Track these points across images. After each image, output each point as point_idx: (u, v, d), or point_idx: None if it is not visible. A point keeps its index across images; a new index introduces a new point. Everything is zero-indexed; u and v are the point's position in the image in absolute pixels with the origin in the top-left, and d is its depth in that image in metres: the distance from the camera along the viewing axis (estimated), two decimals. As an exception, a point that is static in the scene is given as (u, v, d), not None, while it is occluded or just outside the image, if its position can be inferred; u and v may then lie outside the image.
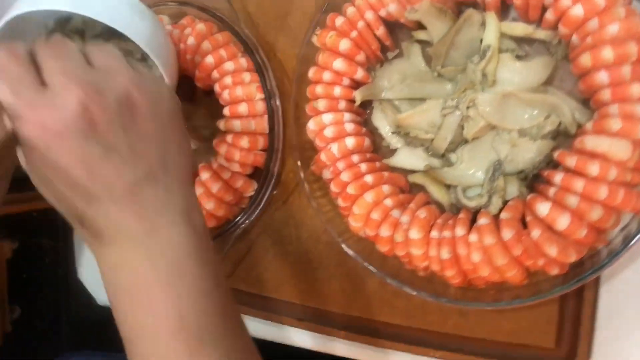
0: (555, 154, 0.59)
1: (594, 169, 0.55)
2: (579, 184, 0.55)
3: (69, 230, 0.97)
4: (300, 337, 0.79)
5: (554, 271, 0.59)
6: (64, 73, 0.43)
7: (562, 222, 0.56)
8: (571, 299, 0.64)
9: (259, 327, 0.80)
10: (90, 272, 0.97)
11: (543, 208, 0.57)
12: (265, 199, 0.75)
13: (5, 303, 1.99)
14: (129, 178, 0.44)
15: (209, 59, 0.72)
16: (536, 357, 0.66)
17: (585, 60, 0.55)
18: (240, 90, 0.71)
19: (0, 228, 1.75)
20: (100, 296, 0.96)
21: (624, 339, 0.63)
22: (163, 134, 0.47)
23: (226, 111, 0.72)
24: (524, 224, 0.60)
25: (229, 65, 0.72)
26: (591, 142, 0.55)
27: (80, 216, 0.45)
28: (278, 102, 0.72)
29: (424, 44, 0.66)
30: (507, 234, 0.59)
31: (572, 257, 0.57)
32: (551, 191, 0.58)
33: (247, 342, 0.50)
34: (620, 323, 0.63)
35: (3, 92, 0.42)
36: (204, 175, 0.74)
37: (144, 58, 0.61)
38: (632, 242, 0.56)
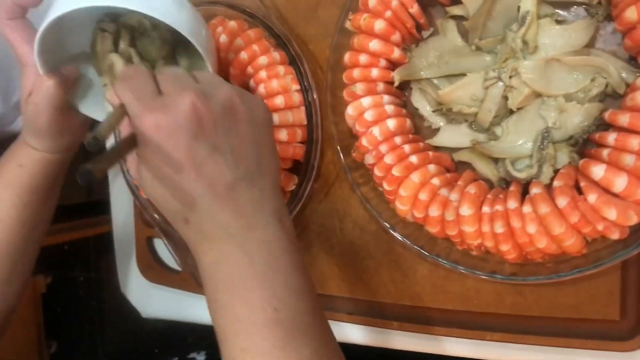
0: (606, 115, 0.57)
1: (648, 124, 0.53)
2: (634, 142, 0.54)
3: (101, 261, 0.98)
4: (351, 332, 0.77)
5: (614, 235, 0.57)
6: (177, 83, 0.50)
7: (619, 183, 0.55)
8: (633, 266, 0.61)
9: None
10: (134, 286, 0.96)
11: (598, 170, 0.56)
12: (306, 193, 0.74)
13: (42, 339, 1.99)
14: (230, 177, 0.48)
15: (243, 55, 0.72)
16: (600, 331, 0.63)
17: (630, 14, 0.54)
18: (275, 83, 0.71)
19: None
20: (145, 309, 0.96)
21: (693, 303, 0.60)
22: (259, 140, 0.52)
23: (263, 105, 0.72)
24: (578, 191, 0.58)
25: (262, 60, 0.72)
26: (643, 97, 0.54)
27: (186, 213, 0.49)
28: (315, 92, 0.71)
29: (458, 19, 0.65)
30: (562, 201, 0.57)
31: (633, 219, 0.56)
32: (604, 153, 0.57)
33: (333, 339, 0.52)
34: (688, 287, 0.60)
35: (128, 97, 0.49)
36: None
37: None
38: (695, 197, 0.54)
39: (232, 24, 0.73)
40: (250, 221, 0.49)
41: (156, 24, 0.63)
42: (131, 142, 0.50)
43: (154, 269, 0.92)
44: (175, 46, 0.65)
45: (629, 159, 0.54)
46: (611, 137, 0.56)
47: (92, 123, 0.69)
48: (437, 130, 0.68)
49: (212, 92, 0.50)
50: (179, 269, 0.87)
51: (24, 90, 0.64)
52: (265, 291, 0.48)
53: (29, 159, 0.67)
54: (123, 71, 0.51)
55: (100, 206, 1.12)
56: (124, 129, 0.53)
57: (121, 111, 0.50)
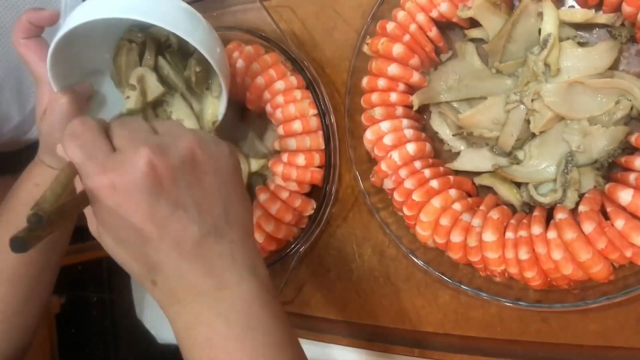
0: (632, 138, 0.56)
1: (677, 148, 0.52)
2: (662, 166, 0.53)
3: (114, 281, 0.98)
4: (371, 359, 0.76)
5: (644, 262, 0.56)
6: (132, 138, 0.46)
7: (648, 208, 0.53)
8: (662, 293, 0.60)
9: (324, 352, 0.77)
10: (150, 311, 0.96)
11: (625, 195, 0.55)
12: (325, 217, 0.74)
13: (56, 359, 1.99)
14: (196, 234, 0.46)
15: (260, 80, 0.71)
16: (630, 358, 0.62)
17: (656, 36, 0.53)
18: (293, 108, 0.70)
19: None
20: (161, 334, 0.95)
21: None
22: (225, 190, 0.49)
23: (280, 130, 0.72)
24: (605, 216, 0.57)
25: (279, 85, 0.71)
26: (671, 120, 0.53)
27: (153, 276, 0.46)
28: (332, 116, 0.71)
29: (477, 42, 0.65)
30: (589, 227, 0.56)
31: (663, 245, 0.54)
32: (632, 177, 0.55)
33: None
34: None
35: (77, 155, 0.45)
36: (262, 197, 0.73)
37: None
38: None
39: (249, 48, 0.73)
40: (222, 279, 0.47)
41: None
42: (81, 201, 0.46)
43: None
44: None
45: (657, 184, 0.53)
46: (638, 161, 0.55)
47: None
48: (457, 154, 0.67)
49: (171, 144, 0.46)
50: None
51: (39, 108, 0.64)
52: (245, 352, 0.46)
53: (46, 178, 0.66)
54: (70, 127, 0.46)
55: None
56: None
57: (69, 172, 0.46)
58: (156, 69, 0.67)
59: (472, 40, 0.65)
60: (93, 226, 0.48)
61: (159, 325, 0.94)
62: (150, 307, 0.95)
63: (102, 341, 2.31)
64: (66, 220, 0.45)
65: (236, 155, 0.52)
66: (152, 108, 0.69)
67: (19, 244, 0.39)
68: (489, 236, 0.60)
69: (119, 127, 0.48)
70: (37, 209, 0.41)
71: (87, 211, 0.48)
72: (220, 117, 0.67)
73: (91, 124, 0.47)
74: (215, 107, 0.68)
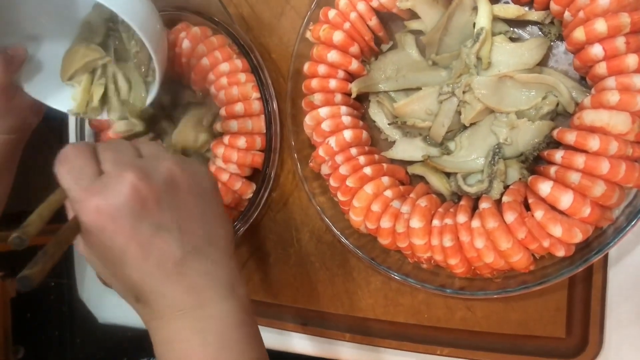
0: (555, 132, 0.58)
1: (594, 143, 0.54)
2: (579, 160, 0.55)
3: (72, 266, 0.97)
4: (304, 343, 0.77)
5: (560, 252, 0.57)
6: (118, 162, 0.48)
7: (565, 200, 0.55)
8: (579, 284, 0.62)
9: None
10: (91, 291, 0.95)
11: (545, 187, 0.56)
12: (264, 201, 0.74)
13: (9, 343, 1.96)
14: (178, 254, 0.48)
15: (205, 61, 0.72)
16: (547, 348, 0.64)
17: (579, 34, 0.54)
18: (236, 90, 0.71)
19: (4, 266, 1.73)
20: (102, 314, 0.95)
21: (636, 323, 0.61)
22: (205, 209, 0.52)
23: (222, 112, 0.72)
24: (527, 208, 0.59)
25: (224, 67, 0.72)
26: (590, 116, 0.54)
27: (136, 293, 0.49)
28: (275, 101, 0.72)
29: (417, 33, 0.66)
30: (510, 216, 0.58)
31: (578, 237, 0.56)
32: (552, 170, 0.57)
33: None
34: (632, 306, 0.61)
35: (66, 181, 0.47)
36: (202, 177, 0.73)
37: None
38: (637, 217, 0.55)
39: (196, 29, 0.73)
40: (202, 297, 0.49)
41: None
42: (74, 228, 0.48)
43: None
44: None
45: (574, 177, 0.55)
46: (558, 155, 0.57)
47: (41, 106, 0.70)
48: (393, 143, 0.68)
49: (153, 168, 0.49)
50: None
51: None
52: None
53: None
54: (62, 151, 0.49)
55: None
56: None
57: (60, 196, 0.48)
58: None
59: (412, 31, 0.66)
60: (80, 247, 0.50)
61: (100, 305, 0.94)
62: (91, 287, 0.94)
63: (58, 327, 2.28)
64: (64, 248, 0.46)
65: (213, 176, 0.55)
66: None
67: (25, 282, 0.41)
68: (415, 223, 0.61)
69: (105, 150, 0.50)
70: (20, 233, 0.43)
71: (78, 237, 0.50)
72: (148, 101, 0.69)
73: (81, 148, 0.49)
74: (144, 89, 0.69)
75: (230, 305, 0.50)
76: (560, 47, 0.61)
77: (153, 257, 0.47)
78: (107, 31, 0.71)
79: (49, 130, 0.95)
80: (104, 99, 0.72)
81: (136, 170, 0.47)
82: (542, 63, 0.61)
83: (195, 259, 0.49)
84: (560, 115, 0.61)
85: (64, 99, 0.71)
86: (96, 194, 0.46)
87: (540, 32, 0.62)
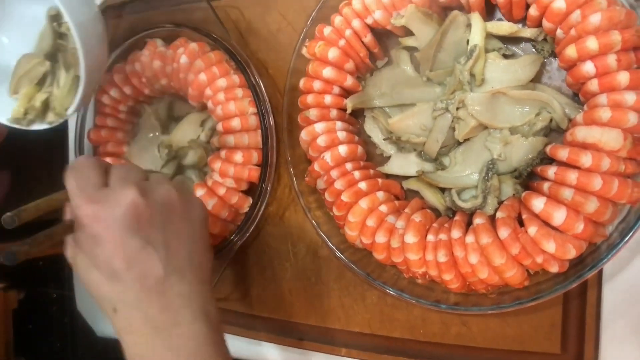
0: (548, 148, 0.58)
1: (586, 159, 0.54)
2: (572, 176, 0.55)
3: (72, 278, 0.98)
4: (301, 358, 0.77)
5: (554, 268, 0.57)
6: (124, 180, 0.52)
7: (558, 216, 0.55)
8: (574, 300, 0.62)
9: (256, 350, 0.78)
10: (89, 304, 0.96)
11: (538, 203, 0.57)
12: (260, 215, 0.75)
13: (10, 355, 1.96)
14: (161, 271, 0.51)
15: (202, 77, 0.73)
16: (542, 364, 0.63)
17: (571, 52, 0.55)
18: (233, 106, 0.72)
19: (6, 278, 1.73)
20: (99, 327, 0.95)
21: (631, 339, 0.61)
22: (193, 236, 0.55)
23: (219, 127, 0.73)
24: (521, 224, 0.59)
25: (221, 82, 0.72)
26: (582, 133, 0.55)
27: (114, 304, 0.51)
28: (271, 116, 0.72)
29: (412, 50, 0.67)
30: (504, 232, 0.58)
31: (571, 253, 0.56)
32: (545, 186, 0.57)
33: None
34: (627, 323, 0.61)
35: (72, 185, 0.51)
36: (199, 192, 0.73)
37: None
38: (630, 233, 0.55)
39: (194, 45, 0.74)
40: (177, 316, 0.51)
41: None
42: (68, 228, 0.52)
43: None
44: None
45: (567, 193, 0.55)
46: (551, 171, 0.57)
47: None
48: (388, 158, 0.69)
49: (154, 188, 0.53)
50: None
51: None
52: None
53: None
54: (76, 160, 0.56)
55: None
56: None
57: (61, 197, 0.53)
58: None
59: (407, 48, 0.67)
60: (69, 251, 0.53)
61: (97, 318, 0.94)
62: (88, 299, 0.95)
63: (60, 339, 2.28)
64: (53, 242, 0.52)
65: (206, 208, 0.59)
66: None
67: (9, 256, 0.46)
68: (410, 238, 0.62)
69: (115, 168, 0.54)
70: (14, 214, 0.50)
71: (68, 237, 0.53)
72: (73, 106, 0.69)
73: (94, 161, 0.54)
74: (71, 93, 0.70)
75: (204, 326, 0.52)
76: (554, 64, 0.61)
77: (137, 270, 0.49)
78: (55, 41, 0.72)
79: (50, 145, 0.96)
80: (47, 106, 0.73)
81: (138, 188, 0.51)
82: (536, 80, 0.61)
83: (176, 279, 0.51)
84: (554, 132, 0.61)
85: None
86: (96, 202, 0.50)
87: (533, 49, 0.62)
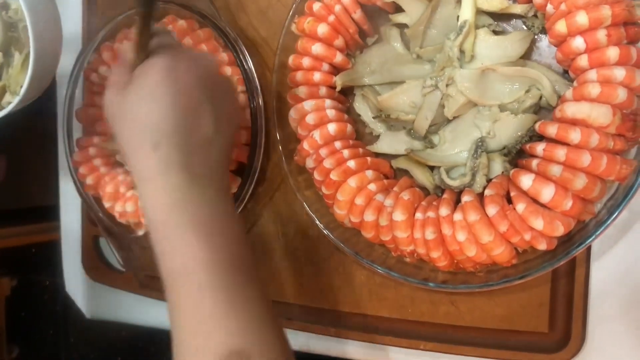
0: (537, 125, 0.58)
1: (575, 135, 0.54)
2: (561, 153, 0.54)
3: (64, 263, 0.98)
4: (289, 338, 0.76)
5: (542, 246, 0.57)
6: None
7: (547, 193, 0.55)
8: (562, 279, 0.62)
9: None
10: (77, 286, 0.95)
11: (526, 180, 0.56)
12: (249, 195, 0.74)
13: (3, 342, 1.95)
14: (210, 133, 0.54)
15: (191, 54, 0.72)
16: (530, 342, 0.63)
17: (561, 27, 0.54)
18: (221, 83, 0.71)
19: (-1, 265, 1.73)
20: (89, 309, 0.94)
21: (619, 318, 0.61)
22: (223, 105, 0.57)
23: (208, 105, 0.72)
24: (510, 201, 0.59)
25: (210, 60, 0.72)
26: (571, 109, 0.54)
27: (159, 138, 0.52)
28: (260, 95, 0.71)
29: (402, 27, 0.66)
30: (492, 209, 0.58)
31: (560, 230, 0.56)
32: (534, 163, 0.57)
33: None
34: (614, 301, 0.61)
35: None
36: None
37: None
38: (618, 210, 0.54)
39: (182, 22, 0.73)
40: (212, 174, 0.54)
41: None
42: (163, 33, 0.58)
43: (98, 268, 0.91)
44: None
45: (556, 170, 0.55)
46: (540, 148, 0.56)
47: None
48: (378, 137, 0.68)
49: (199, 58, 0.58)
50: (122, 269, 0.86)
51: None
52: (200, 244, 0.51)
53: None
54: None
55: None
56: None
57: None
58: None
59: (397, 25, 0.66)
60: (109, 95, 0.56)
61: (88, 301, 0.94)
62: (79, 281, 0.94)
63: (53, 326, 2.28)
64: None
65: (230, 78, 0.67)
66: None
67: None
68: (398, 216, 0.61)
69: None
70: None
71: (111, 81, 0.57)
72: (26, 82, 0.69)
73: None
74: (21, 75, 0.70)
75: (220, 190, 0.55)
76: (544, 41, 0.61)
77: (193, 120, 0.53)
78: (7, 34, 0.73)
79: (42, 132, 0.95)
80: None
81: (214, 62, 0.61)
82: (526, 56, 0.61)
83: (215, 145, 0.55)
84: (544, 109, 0.61)
85: None
86: (190, 53, 0.59)
87: (523, 26, 0.61)
